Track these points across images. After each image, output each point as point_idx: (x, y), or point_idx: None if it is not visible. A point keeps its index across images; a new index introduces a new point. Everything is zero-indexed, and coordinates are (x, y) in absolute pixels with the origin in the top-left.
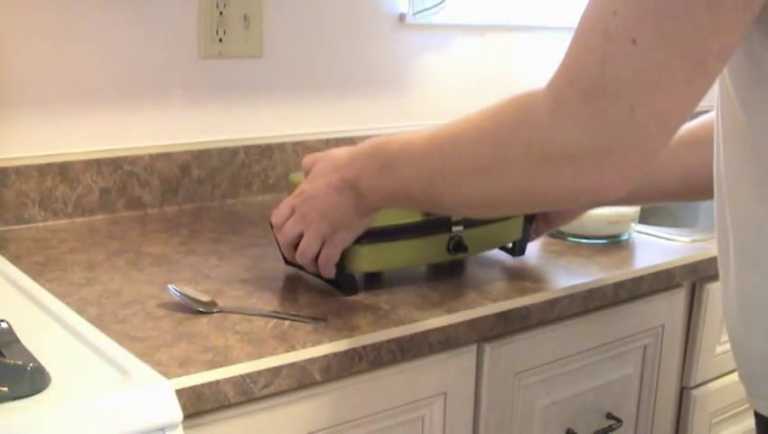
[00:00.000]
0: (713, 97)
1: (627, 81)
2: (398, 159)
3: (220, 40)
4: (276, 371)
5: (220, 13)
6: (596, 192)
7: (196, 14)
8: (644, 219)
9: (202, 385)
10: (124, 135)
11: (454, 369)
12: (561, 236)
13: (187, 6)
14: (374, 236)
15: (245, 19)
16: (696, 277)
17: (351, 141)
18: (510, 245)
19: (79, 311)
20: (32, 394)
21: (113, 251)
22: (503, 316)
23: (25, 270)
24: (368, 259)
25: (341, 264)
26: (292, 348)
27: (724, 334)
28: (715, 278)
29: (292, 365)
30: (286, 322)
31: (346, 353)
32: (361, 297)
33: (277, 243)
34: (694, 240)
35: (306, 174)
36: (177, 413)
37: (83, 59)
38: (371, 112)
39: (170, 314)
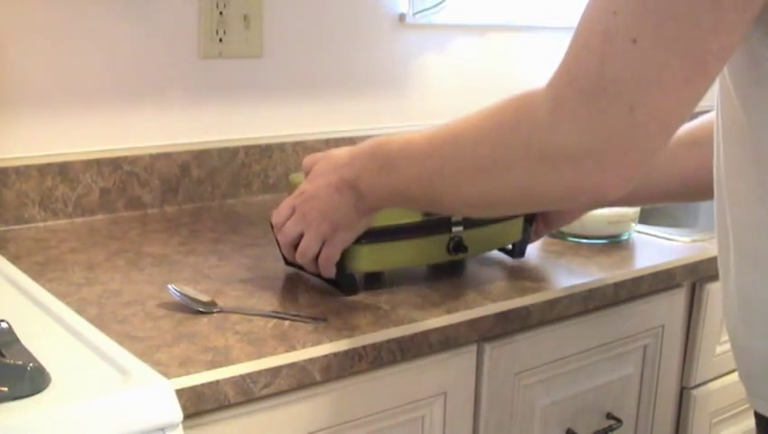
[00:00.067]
0: (713, 97)
1: (627, 81)
2: (398, 159)
3: (220, 40)
4: (276, 371)
5: (220, 13)
6: (596, 191)
7: (196, 14)
8: (644, 219)
9: (202, 385)
10: (124, 135)
11: (454, 369)
12: (561, 236)
13: (187, 6)
14: (374, 236)
15: (245, 19)
16: (696, 277)
17: (351, 141)
18: (510, 247)
19: (79, 311)
20: (32, 394)
21: (113, 251)
22: (503, 316)
23: (25, 270)
24: (368, 259)
25: (342, 264)
26: (292, 348)
27: (724, 334)
28: (715, 278)
29: (292, 365)
30: (286, 322)
31: (346, 353)
32: (361, 297)
33: (277, 243)
34: (694, 240)
35: (307, 174)
36: (177, 413)
37: (83, 59)
38: (371, 112)
39: (170, 314)
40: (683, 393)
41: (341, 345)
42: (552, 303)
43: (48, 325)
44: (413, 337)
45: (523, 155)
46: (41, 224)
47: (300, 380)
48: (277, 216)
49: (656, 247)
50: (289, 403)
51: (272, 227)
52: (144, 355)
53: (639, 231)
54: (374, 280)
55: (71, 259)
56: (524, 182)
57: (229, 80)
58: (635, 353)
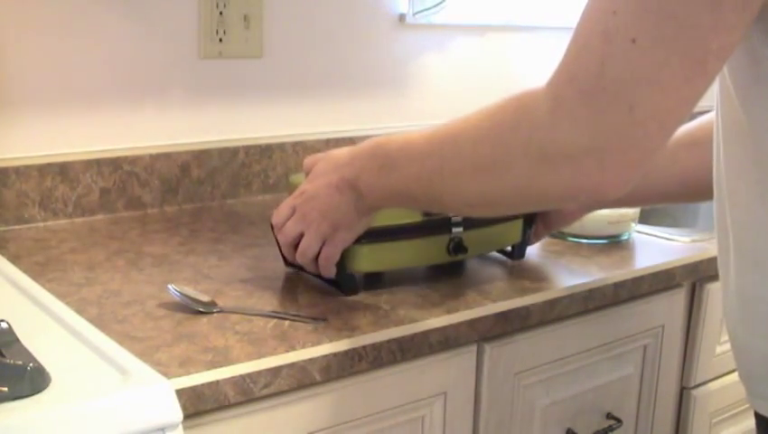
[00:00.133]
0: (712, 97)
1: (626, 81)
2: (398, 159)
3: (220, 40)
4: (276, 371)
5: (220, 13)
6: (596, 191)
7: (196, 14)
8: (644, 219)
9: (202, 385)
10: (124, 135)
11: (454, 369)
12: (561, 236)
13: (187, 6)
14: (374, 236)
15: (245, 19)
16: (696, 277)
17: (351, 141)
18: (510, 249)
19: (79, 311)
20: (32, 394)
21: (113, 251)
22: (503, 316)
23: (25, 270)
24: (368, 259)
25: (342, 264)
26: (292, 348)
27: (724, 334)
28: (715, 278)
29: (292, 365)
30: (286, 322)
31: (346, 353)
32: (361, 297)
33: (278, 244)
34: (694, 240)
35: (307, 174)
36: (177, 413)
37: (83, 59)
38: (371, 112)
39: (170, 314)
40: (683, 393)
41: (341, 345)
42: (552, 303)
43: (48, 325)
44: (413, 337)
45: (523, 155)
46: (41, 224)
47: (300, 380)
48: (278, 216)
49: (656, 247)
50: (289, 403)
51: (272, 228)
52: (144, 355)
53: (639, 231)
54: (374, 280)
55: (71, 259)
56: (523, 181)
57: (229, 80)
58: (635, 353)
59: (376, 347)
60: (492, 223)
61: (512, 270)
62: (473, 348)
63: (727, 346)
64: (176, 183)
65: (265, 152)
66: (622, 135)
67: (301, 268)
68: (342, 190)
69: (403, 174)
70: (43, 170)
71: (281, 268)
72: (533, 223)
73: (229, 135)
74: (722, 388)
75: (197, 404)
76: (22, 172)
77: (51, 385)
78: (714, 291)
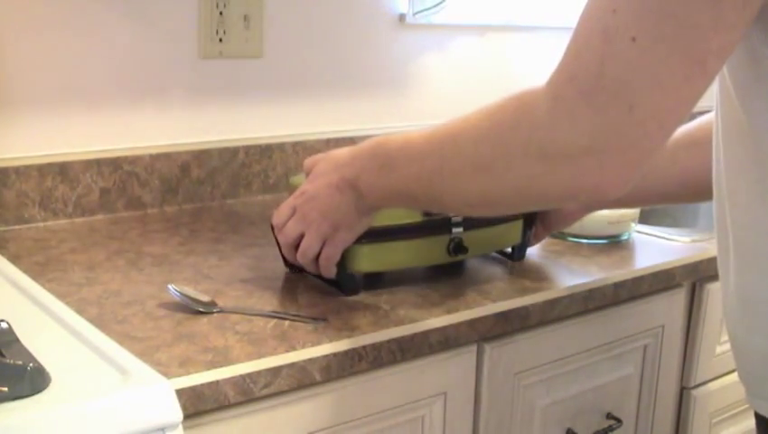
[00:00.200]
0: (712, 97)
1: (626, 80)
2: (398, 158)
3: (220, 40)
4: (276, 371)
5: (220, 13)
6: (595, 190)
7: (196, 14)
8: (644, 219)
9: (202, 385)
10: (124, 135)
11: (454, 369)
12: (561, 236)
13: (187, 6)
14: (375, 236)
15: (245, 19)
16: (696, 277)
17: (351, 141)
18: (510, 250)
19: (79, 311)
20: (32, 394)
21: (113, 251)
22: (503, 316)
23: (25, 270)
24: (368, 260)
25: (342, 264)
26: (292, 348)
27: (724, 334)
28: (715, 278)
29: (292, 365)
30: (286, 322)
31: (346, 353)
32: (361, 297)
33: (278, 245)
34: (694, 240)
35: (307, 175)
36: (177, 413)
37: (83, 59)
38: (371, 112)
39: (170, 314)
40: (683, 393)
41: (341, 345)
42: (552, 303)
43: (48, 325)
44: (413, 337)
45: (522, 155)
46: (41, 224)
47: (300, 380)
48: (278, 217)
49: (656, 247)
50: (289, 403)
51: (272, 228)
52: (144, 355)
53: (639, 232)
54: (374, 280)
55: (71, 259)
56: (523, 181)
57: (229, 80)
58: (635, 353)
59: (376, 347)
60: (493, 224)
61: (512, 270)
62: (473, 348)
63: (727, 346)
64: (176, 183)
65: (265, 152)
66: (621, 134)
67: (300, 270)
68: (343, 190)
69: (403, 173)
70: (43, 170)
71: (281, 269)
72: (533, 224)
73: (229, 135)
74: (722, 388)
75: (197, 404)
76: (22, 172)
77: (51, 385)
78: (714, 291)
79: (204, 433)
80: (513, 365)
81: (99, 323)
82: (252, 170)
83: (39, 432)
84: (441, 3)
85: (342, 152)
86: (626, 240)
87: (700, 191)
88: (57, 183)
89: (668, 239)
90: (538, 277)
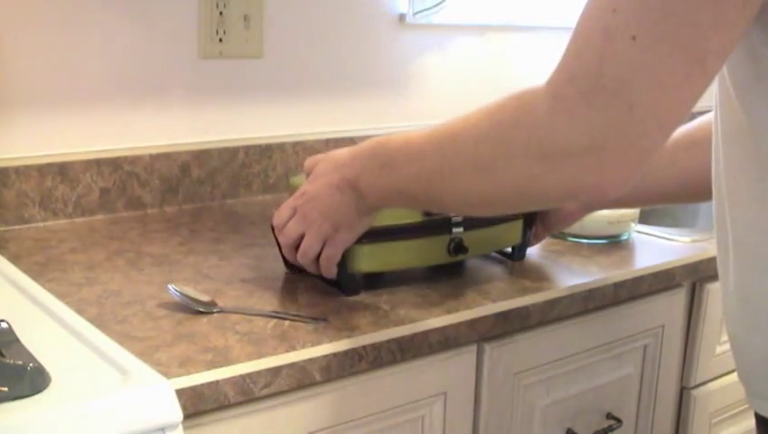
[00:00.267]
0: (712, 97)
1: (626, 79)
2: (398, 158)
3: (220, 40)
4: (276, 371)
5: (220, 13)
6: (595, 190)
7: (196, 14)
8: (644, 219)
9: (202, 385)
10: (124, 135)
11: (454, 369)
12: (561, 236)
13: (187, 6)
14: (375, 236)
15: (245, 19)
16: (696, 277)
17: (351, 141)
18: (510, 250)
19: (79, 311)
20: (32, 394)
21: (113, 251)
22: (503, 316)
23: (25, 270)
24: (369, 260)
25: (343, 264)
26: (292, 348)
27: (724, 334)
28: (715, 278)
29: (292, 365)
30: (286, 322)
31: (346, 353)
32: (361, 297)
33: (278, 246)
34: (694, 240)
35: (308, 175)
36: (177, 413)
37: (83, 59)
38: (371, 112)
39: (170, 314)
40: (683, 393)
41: (341, 345)
42: (552, 303)
43: (48, 325)
44: (413, 337)
45: (522, 154)
46: (41, 224)
47: (300, 380)
48: (278, 217)
49: (656, 247)
50: (289, 403)
51: (273, 229)
52: (144, 355)
53: (639, 231)
54: (374, 280)
55: (71, 259)
56: (523, 180)
57: (229, 80)
58: (635, 353)
59: (376, 347)
60: (493, 224)
61: (512, 270)
62: (473, 348)
63: (727, 346)
64: (176, 183)
65: (265, 152)
66: (621, 134)
67: (300, 271)
68: (343, 190)
69: (403, 173)
70: (43, 170)
71: (281, 269)
72: (533, 224)
73: (229, 135)
74: (722, 388)
75: (197, 404)
76: (22, 172)
77: (51, 385)
78: (714, 291)
79: (204, 433)
80: (513, 365)
81: (99, 323)
82: (252, 170)
83: (39, 432)
84: (441, 3)
85: (343, 152)
86: (626, 240)
87: (700, 191)
88: (57, 183)
89: (668, 239)
90: (538, 277)
